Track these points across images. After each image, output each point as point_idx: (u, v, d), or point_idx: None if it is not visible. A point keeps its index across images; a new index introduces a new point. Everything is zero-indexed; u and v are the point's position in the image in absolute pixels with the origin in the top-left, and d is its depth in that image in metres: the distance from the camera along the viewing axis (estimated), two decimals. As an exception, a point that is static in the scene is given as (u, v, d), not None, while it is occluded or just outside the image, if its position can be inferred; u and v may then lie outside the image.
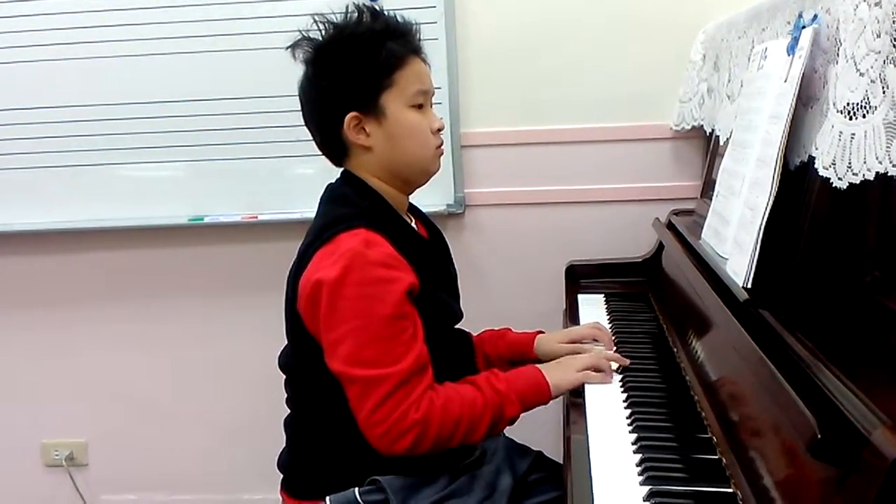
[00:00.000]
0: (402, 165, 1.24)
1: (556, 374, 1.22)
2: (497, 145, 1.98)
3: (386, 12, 1.23)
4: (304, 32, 1.21)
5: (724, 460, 0.97)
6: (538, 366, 1.25)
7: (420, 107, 1.23)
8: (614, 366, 1.28)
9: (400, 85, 1.20)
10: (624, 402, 1.17)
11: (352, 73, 1.19)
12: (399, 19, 1.23)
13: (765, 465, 0.87)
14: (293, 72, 1.25)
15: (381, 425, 1.10)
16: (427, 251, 1.28)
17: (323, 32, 1.21)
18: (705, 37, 1.81)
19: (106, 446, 2.26)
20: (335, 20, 1.21)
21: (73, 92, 1.98)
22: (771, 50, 1.20)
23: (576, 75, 1.93)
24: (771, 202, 1.03)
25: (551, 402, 1.23)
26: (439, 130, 1.26)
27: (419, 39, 1.24)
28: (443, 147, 1.28)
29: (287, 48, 1.22)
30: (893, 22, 0.80)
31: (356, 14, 1.21)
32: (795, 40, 1.08)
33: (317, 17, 1.21)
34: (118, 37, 1.94)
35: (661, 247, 1.79)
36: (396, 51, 1.20)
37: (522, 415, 1.20)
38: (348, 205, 1.22)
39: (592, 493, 0.92)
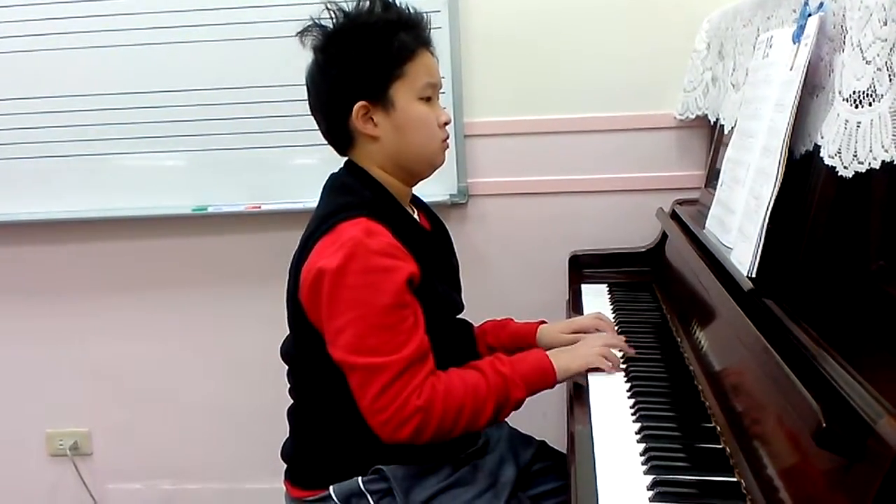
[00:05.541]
0: (408, 157, 1.24)
1: (563, 359, 1.22)
2: (500, 135, 1.98)
3: (397, 3, 1.23)
4: (315, 19, 1.21)
5: (728, 449, 0.97)
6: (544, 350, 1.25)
7: (428, 99, 1.23)
8: (619, 353, 1.28)
9: (410, 76, 1.20)
10: (627, 391, 1.17)
11: (363, 63, 1.18)
12: (410, 10, 1.23)
13: (769, 454, 0.87)
14: (297, 61, 1.25)
15: (384, 412, 1.10)
16: (428, 242, 1.28)
17: (334, 20, 1.21)
18: (710, 25, 1.81)
19: (110, 436, 2.27)
20: (346, 9, 1.21)
21: (74, 82, 1.97)
22: (776, 38, 1.20)
23: (579, 64, 1.93)
24: (776, 191, 1.02)
25: (555, 390, 1.23)
26: (446, 124, 1.26)
27: (429, 32, 1.24)
28: (448, 141, 1.28)
29: (296, 34, 1.22)
30: (900, 9, 0.79)
31: (368, 3, 1.21)
32: (801, 28, 1.07)
33: (328, 5, 1.21)
34: (119, 26, 1.93)
35: (664, 237, 1.79)
36: (408, 42, 1.19)
37: (525, 405, 1.20)
38: (350, 194, 1.22)
39: (596, 483, 0.92)
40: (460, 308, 1.35)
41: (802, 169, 1.03)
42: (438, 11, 1.86)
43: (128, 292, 2.16)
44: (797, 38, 1.08)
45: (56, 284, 2.17)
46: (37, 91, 1.98)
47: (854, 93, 0.86)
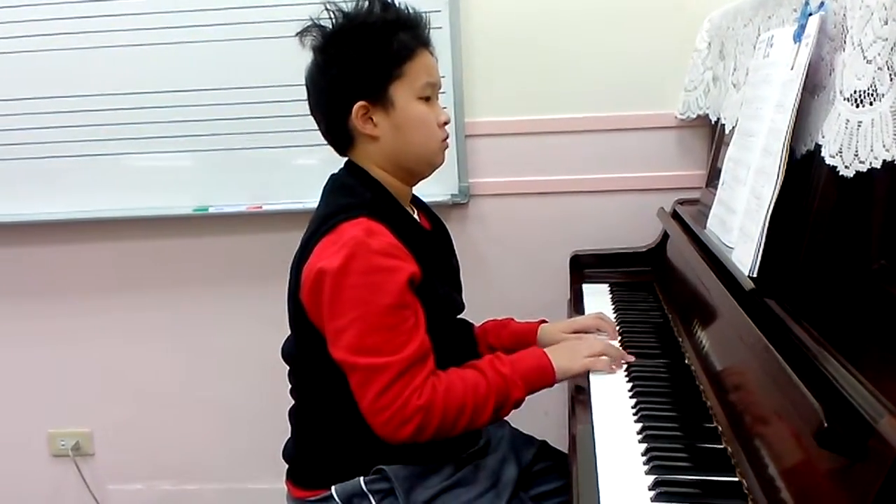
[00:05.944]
0: (408, 157, 1.24)
1: (563, 358, 1.22)
2: (501, 135, 1.98)
3: (397, 3, 1.23)
4: (314, 20, 1.21)
5: (730, 449, 0.97)
6: (544, 349, 1.25)
7: (428, 99, 1.23)
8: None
9: (409, 76, 1.20)
10: (629, 391, 1.17)
11: (362, 63, 1.18)
12: (410, 11, 1.23)
13: (770, 454, 0.87)
14: (298, 62, 1.25)
15: (385, 412, 1.10)
16: (429, 242, 1.28)
17: (333, 20, 1.21)
18: (711, 24, 1.81)
19: (112, 436, 2.27)
20: (345, 9, 1.21)
21: (76, 81, 1.97)
22: (777, 38, 1.20)
23: (580, 64, 1.93)
24: (777, 191, 1.02)
25: (556, 390, 1.23)
26: (445, 124, 1.26)
27: (428, 32, 1.24)
28: (448, 140, 1.28)
29: (296, 35, 1.22)
30: (901, 9, 0.79)
31: (367, 3, 1.21)
32: (802, 28, 1.07)
33: (327, 5, 1.21)
34: (121, 27, 1.93)
35: (665, 236, 1.79)
36: (407, 42, 1.20)
37: (527, 405, 1.20)
38: (351, 195, 1.22)
39: (598, 483, 0.92)
40: (461, 308, 1.35)
41: (803, 169, 1.03)
42: (439, 11, 1.86)
43: (128, 292, 2.16)
44: (798, 37, 1.08)
45: (57, 285, 2.17)
46: (36, 91, 1.98)
47: (855, 92, 0.86)
